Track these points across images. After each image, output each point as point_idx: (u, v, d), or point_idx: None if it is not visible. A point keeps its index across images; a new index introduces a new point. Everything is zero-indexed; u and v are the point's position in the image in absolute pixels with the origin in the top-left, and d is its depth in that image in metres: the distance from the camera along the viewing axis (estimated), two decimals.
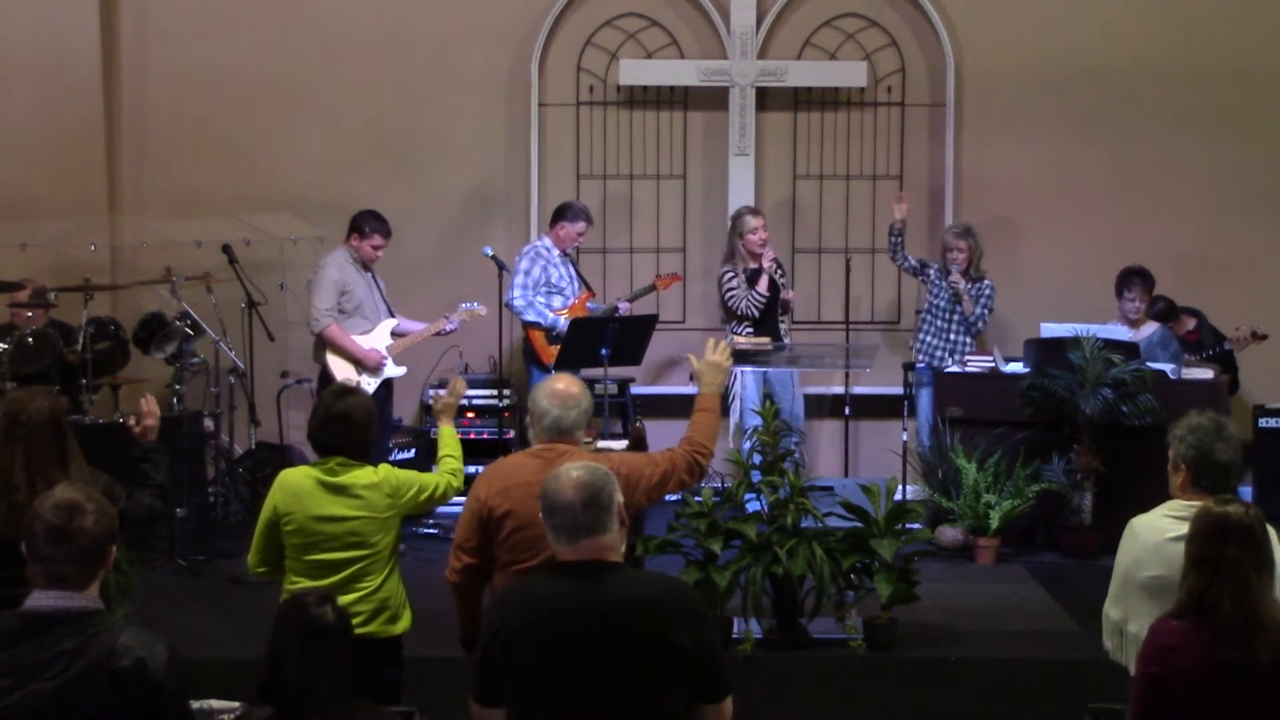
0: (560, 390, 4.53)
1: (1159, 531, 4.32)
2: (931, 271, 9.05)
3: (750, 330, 8.86)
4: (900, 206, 9.15)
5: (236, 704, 4.32)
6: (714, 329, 9.53)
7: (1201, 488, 4.32)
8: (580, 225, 8.91)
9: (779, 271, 9.13)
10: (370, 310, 8.33)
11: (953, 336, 8.95)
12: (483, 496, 4.47)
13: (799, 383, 9.08)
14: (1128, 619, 4.34)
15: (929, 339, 9.01)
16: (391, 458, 8.32)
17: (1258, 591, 3.60)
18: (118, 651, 3.39)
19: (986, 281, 8.97)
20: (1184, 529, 4.23)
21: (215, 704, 4.42)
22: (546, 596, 3.55)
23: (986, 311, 8.94)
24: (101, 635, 3.41)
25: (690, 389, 9.64)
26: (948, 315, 8.96)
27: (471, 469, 9.49)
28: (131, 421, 5.07)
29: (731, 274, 8.92)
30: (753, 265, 8.92)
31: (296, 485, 4.91)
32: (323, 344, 8.24)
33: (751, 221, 8.95)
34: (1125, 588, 4.37)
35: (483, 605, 4.49)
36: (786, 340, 9.07)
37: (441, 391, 5.55)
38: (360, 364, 8.17)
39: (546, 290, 8.79)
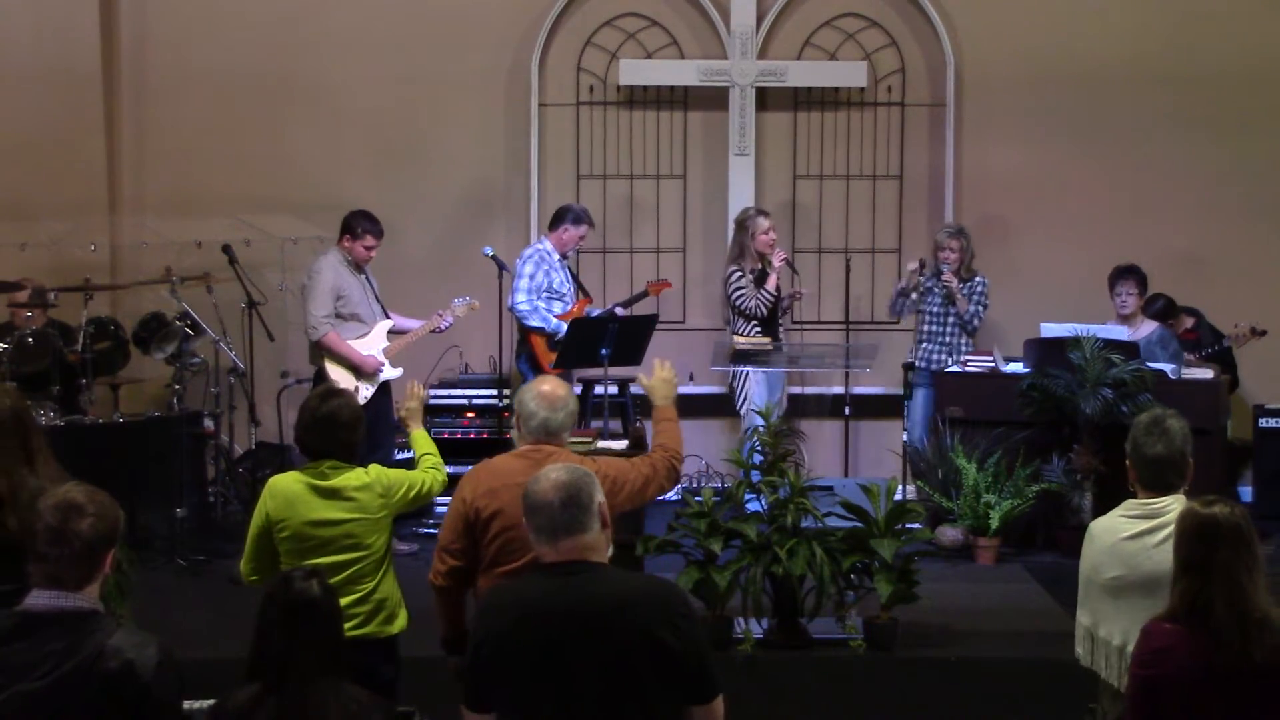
0: (547, 392, 4.55)
1: (1114, 532, 4.34)
2: (922, 277, 9.03)
3: (758, 329, 8.86)
4: (912, 272, 8.98)
5: None
6: (715, 329, 9.54)
7: (1146, 485, 4.35)
8: (582, 229, 8.87)
9: (793, 273, 9.21)
10: (366, 313, 8.26)
11: (948, 339, 8.95)
12: (469, 498, 4.47)
13: (786, 382, 9.16)
14: (1097, 624, 4.35)
15: (925, 343, 9.01)
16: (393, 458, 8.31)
17: (1249, 591, 3.59)
18: (107, 653, 3.38)
19: (979, 279, 8.97)
20: (1138, 527, 4.28)
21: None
22: (530, 598, 3.54)
23: (981, 309, 8.93)
24: (93, 636, 3.40)
25: (689, 389, 9.79)
26: (942, 318, 8.96)
27: (468, 467, 9.41)
28: None
29: (739, 273, 8.92)
30: (760, 266, 8.93)
31: (288, 492, 4.84)
32: (320, 349, 8.22)
33: (763, 223, 8.96)
34: (1089, 592, 4.39)
35: (466, 608, 4.50)
36: (783, 341, 9.08)
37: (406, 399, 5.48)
38: (358, 371, 8.12)
39: (548, 295, 8.74)
